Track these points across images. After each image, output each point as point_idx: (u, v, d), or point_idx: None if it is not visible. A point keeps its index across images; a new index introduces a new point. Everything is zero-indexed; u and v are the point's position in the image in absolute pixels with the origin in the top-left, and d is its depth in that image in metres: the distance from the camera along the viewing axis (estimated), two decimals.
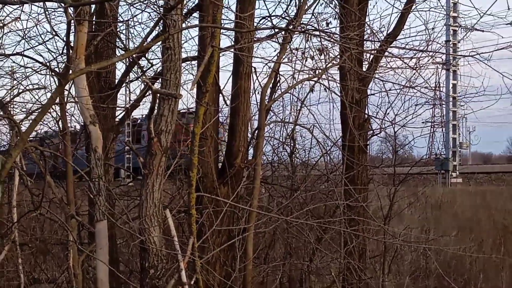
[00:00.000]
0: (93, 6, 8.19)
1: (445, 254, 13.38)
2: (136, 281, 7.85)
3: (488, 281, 11.87)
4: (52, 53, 9.49)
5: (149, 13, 9.24)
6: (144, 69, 8.99)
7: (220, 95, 8.98)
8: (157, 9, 7.29)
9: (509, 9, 14.23)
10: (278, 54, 8.62)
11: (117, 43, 9.42)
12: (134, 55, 7.94)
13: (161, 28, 7.02)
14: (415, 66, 9.89)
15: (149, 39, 7.32)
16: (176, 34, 6.84)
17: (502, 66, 10.15)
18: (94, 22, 8.32)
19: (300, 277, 10.27)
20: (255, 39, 8.73)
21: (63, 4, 6.25)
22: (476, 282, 11.56)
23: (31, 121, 7.16)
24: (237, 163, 8.71)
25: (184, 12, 8.69)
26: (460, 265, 13.72)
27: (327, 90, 10.24)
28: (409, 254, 13.41)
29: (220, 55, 8.91)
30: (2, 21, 8.76)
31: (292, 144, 10.21)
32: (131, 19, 10.00)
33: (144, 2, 7.99)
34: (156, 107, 7.14)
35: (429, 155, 35.35)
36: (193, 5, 9.03)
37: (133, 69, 9.52)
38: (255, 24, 8.90)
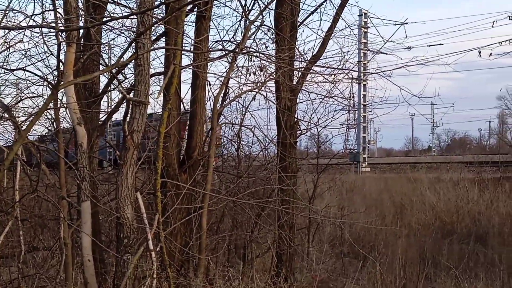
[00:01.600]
0: (82, 31, 8.10)
1: (356, 226, 13.52)
2: (114, 248, 7.82)
3: (388, 246, 11.97)
4: (49, 69, 9.48)
5: (125, 37, 9.18)
6: (121, 82, 8.93)
7: (181, 102, 9.02)
8: (130, 34, 7.26)
9: (406, 37, 14.49)
10: (227, 71, 8.62)
11: (100, 60, 9.33)
12: (113, 70, 7.90)
13: (134, 49, 7.02)
14: (333, 80, 9.97)
15: (124, 58, 7.29)
16: (145, 54, 6.87)
17: (400, 81, 10.27)
18: (81, 44, 8.25)
19: (244, 245, 10.26)
20: (209, 58, 8.70)
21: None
22: (379, 247, 11.66)
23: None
24: (195, 155, 8.72)
25: (154, 37, 8.72)
26: (367, 235, 13.84)
27: (265, 99, 10.29)
28: (328, 227, 13.50)
29: (182, 71, 8.93)
30: (8, 43, 8.74)
31: (238, 141, 10.18)
32: (111, 41, 10.00)
33: (120, 28, 7.95)
34: (130, 112, 7.15)
35: (345, 149, 35.57)
36: (161, 31, 9.01)
37: (113, 82, 9.44)
38: (209, 47, 8.91)
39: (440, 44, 28.26)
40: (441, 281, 10.35)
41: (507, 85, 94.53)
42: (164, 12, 9.04)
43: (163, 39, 8.92)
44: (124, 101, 8.44)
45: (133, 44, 6.97)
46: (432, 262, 11.56)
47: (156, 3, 7.40)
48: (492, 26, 13.34)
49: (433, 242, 13.60)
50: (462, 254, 12.42)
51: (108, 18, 9.25)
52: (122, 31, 9.19)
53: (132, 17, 8.22)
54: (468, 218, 15.90)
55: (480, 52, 11.79)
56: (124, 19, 9.21)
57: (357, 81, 20.08)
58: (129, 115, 7.22)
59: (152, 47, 7.31)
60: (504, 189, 17.45)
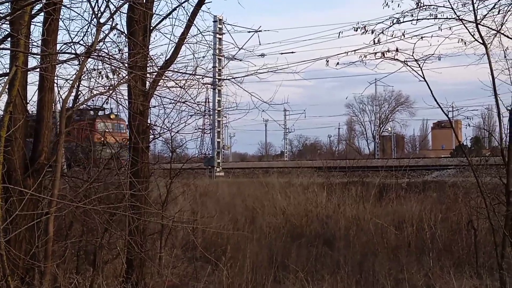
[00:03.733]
0: None
1: (208, 231, 13.62)
2: None
3: (240, 250, 12.19)
4: None
5: None
6: None
7: (27, 105, 8.70)
8: None
9: (260, 44, 14.79)
10: (76, 73, 8.42)
11: None
12: None
13: None
14: (184, 86, 10.00)
15: None
16: None
17: (253, 87, 10.51)
18: None
19: (94, 251, 10.06)
20: (57, 61, 8.45)
21: None
22: (230, 251, 11.84)
23: None
24: (41, 160, 8.46)
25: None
26: (220, 239, 13.99)
27: (117, 103, 10.20)
28: (181, 231, 13.50)
29: (31, 72, 8.66)
30: None
31: (89, 145, 10.00)
32: None
33: None
34: None
35: (199, 154, 35.77)
36: (6, 33, 8.65)
37: None
38: (58, 49, 8.67)
39: (292, 52, 29.24)
40: (289, 283, 10.67)
41: (353, 93, 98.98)
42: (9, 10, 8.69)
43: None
44: None
45: None
46: (281, 265, 11.90)
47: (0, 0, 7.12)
48: (338, 37, 13.94)
49: (283, 245, 13.99)
50: (310, 257, 12.87)
51: None
52: None
53: None
54: (316, 221, 16.50)
55: (327, 61, 12.40)
56: None
57: (211, 87, 20.28)
58: None
59: None
60: (350, 193, 18.24)
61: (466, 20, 10.71)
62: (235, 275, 10.64)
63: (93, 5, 8.02)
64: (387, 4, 11.20)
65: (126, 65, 8.86)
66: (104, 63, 8.85)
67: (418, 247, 13.44)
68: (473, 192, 14.18)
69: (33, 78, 9.36)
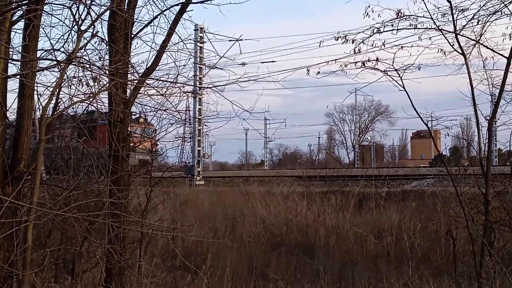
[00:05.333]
0: None
1: (188, 239, 13.60)
2: None
3: (220, 259, 12.20)
4: None
5: None
6: None
7: (6, 112, 8.64)
8: None
9: (241, 53, 14.84)
10: (56, 81, 8.37)
11: None
12: None
13: None
14: (165, 94, 9.98)
15: None
16: None
17: (234, 96, 10.51)
18: None
19: (73, 260, 10.01)
20: (38, 68, 8.40)
21: None
22: (210, 260, 11.83)
23: None
24: (20, 167, 8.39)
25: None
26: (199, 248, 13.98)
27: (97, 111, 10.17)
28: (161, 240, 13.46)
29: (11, 79, 8.60)
30: None
31: (68, 154, 9.93)
32: None
33: None
34: None
35: (180, 162, 35.69)
36: None
37: None
38: (39, 56, 8.61)
39: (273, 61, 29.26)
40: None
41: (333, 102, 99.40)
42: None
43: None
44: None
45: None
46: (260, 273, 11.91)
47: None
48: (319, 46, 14.04)
49: (262, 254, 14.01)
50: (289, 265, 12.90)
51: None
52: None
53: None
54: (296, 230, 16.55)
55: (308, 70, 12.44)
56: None
57: (192, 95, 20.28)
58: None
59: None
60: (330, 202, 18.32)
61: (446, 30, 10.83)
62: (215, 284, 10.64)
63: (74, 12, 7.98)
64: (367, 14, 11.27)
65: (107, 72, 8.83)
66: (85, 71, 8.82)
67: (397, 256, 13.51)
68: (452, 202, 14.28)
69: (13, 85, 9.31)
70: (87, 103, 9.23)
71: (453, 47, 10.83)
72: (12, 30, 8.61)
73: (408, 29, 11.11)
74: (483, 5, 10.91)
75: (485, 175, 10.37)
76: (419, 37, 11.16)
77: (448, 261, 12.45)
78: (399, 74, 10.74)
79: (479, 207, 10.73)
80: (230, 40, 11.69)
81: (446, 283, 10.65)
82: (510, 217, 10.63)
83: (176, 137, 13.74)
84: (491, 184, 10.58)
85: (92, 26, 7.95)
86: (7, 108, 8.68)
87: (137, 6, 10.26)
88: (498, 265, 9.82)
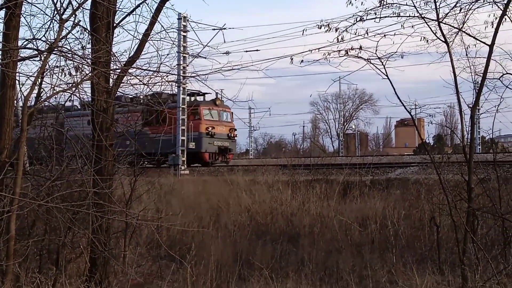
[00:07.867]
0: None
1: (173, 229, 13.59)
2: None
3: (205, 248, 12.20)
4: None
5: None
6: None
7: None
8: None
9: (224, 42, 14.82)
10: (38, 70, 8.31)
11: None
12: None
13: None
14: (148, 83, 9.94)
15: None
16: None
17: (218, 85, 10.51)
18: None
19: (57, 250, 9.97)
20: (19, 57, 8.34)
21: None
22: (195, 249, 11.82)
23: None
24: (2, 158, 8.36)
25: None
26: (184, 237, 13.96)
27: (81, 100, 10.12)
28: (145, 230, 13.43)
29: None
30: None
31: (51, 143, 9.86)
32: None
33: None
34: None
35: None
36: None
37: None
38: (19, 45, 8.56)
39: (257, 50, 29.30)
40: (254, 281, 10.69)
41: (317, 91, 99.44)
42: None
43: None
44: None
45: None
46: (245, 262, 11.93)
47: None
48: (302, 34, 14.06)
49: (247, 243, 14.01)
50: (274, 254, 12.93)
51: None
52: None
53: None
54: (281, 219, 16.55)
55: (292, 59, 12.43)
56: None
57: (175, 84, 20.20)
58: None
59: None
60: (315, 191, 18.31)
61: (429, 18, 10.85)
62: (200, 273, 10.64)
63: (55, 1, 7.93)
64: (351, 2, 11.29)
65: (89, 61, 8.78)
66: (67, 60, 8.75)
67: (382, 243, 13.57)
68: (436, 189, 14.36)
69: None
70: (69, 92, 9.16)
71: (436, 35, 10.86)
72: None
73: (391, 17, 11.12)
74: None
75: (468, 162, 10.43)
76: (402, 25, 11.18)
77: (432, 248, 12.52)
78: (382, 63, 10.75)
79: (462, 194, 10.79)
80: (214, 29, 11.69)
81: (430, 270, 10.72)
82: (493, 204, 10.72)
83: None
84: (474, 171, 10.64)
85: (74, 15, 7.92)
86: None
87: None
88: (481, 252, 9.89)
